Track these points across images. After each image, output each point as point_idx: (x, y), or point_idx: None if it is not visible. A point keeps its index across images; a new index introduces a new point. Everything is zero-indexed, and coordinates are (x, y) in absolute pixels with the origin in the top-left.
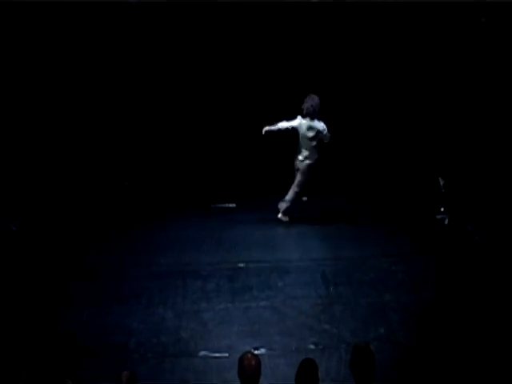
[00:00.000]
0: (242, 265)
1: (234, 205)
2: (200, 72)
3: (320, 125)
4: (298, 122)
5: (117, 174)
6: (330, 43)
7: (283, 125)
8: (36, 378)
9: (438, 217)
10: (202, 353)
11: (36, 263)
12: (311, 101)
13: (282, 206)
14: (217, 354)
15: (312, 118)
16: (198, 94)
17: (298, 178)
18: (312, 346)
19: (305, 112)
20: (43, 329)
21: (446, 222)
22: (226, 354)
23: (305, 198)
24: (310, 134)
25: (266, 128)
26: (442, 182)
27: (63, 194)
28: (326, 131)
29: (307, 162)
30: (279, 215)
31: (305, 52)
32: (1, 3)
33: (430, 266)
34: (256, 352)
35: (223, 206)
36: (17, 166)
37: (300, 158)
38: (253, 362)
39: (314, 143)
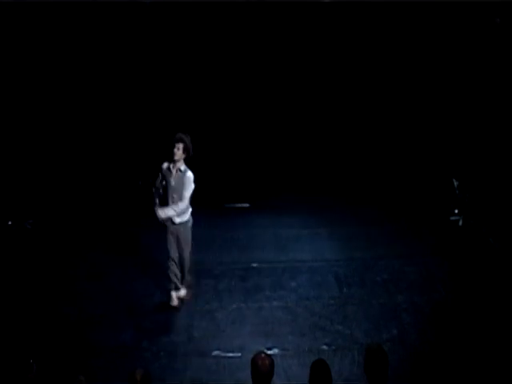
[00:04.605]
0: (254, 265)
1: (247, 204)
2: (213, 71)
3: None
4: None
5: (130, 173)
6: (337, 43)
7: None
8: (47, 374)
9: (452, 218)
10: (215, 352)
11: (50, 261)
12: None
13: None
14: (229, 354)
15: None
16: (210, 94)
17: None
18: (325, 347)
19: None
20: (55, 326)
21: (460, 223)
22: (239, 354)
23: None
24: None
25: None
26: (456, 184)
27: (77, 193)
28: None
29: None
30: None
31: (314, 51)
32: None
33: (443, 268)
34: (269, 352)
35: (237, 205)
36: (32, 165)
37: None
38: (267, 362)
39: None
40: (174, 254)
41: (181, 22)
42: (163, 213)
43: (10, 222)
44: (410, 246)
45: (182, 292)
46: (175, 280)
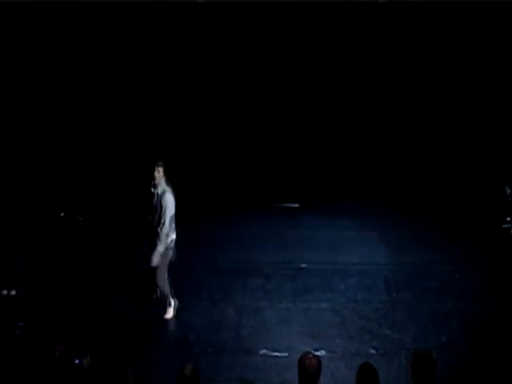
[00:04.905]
0: (303, 265)
1: (297, 205)
2: (264, 71)
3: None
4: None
5: (183, 170)
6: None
7: None
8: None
9: (504, 226)
10: (262, 351)
11: (100, 253)
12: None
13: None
14: (276, 353)
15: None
16: (262, 94)
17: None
18: (372, 351)
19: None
20: (103, 319)
21: None
22: (286, 354)
23: None
24: None
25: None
26: (508, 191)
27: (128, 188)
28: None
29: None
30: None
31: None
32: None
33: (494, 276)
34: (316, 353)
35: (286, 205)
36: (84, 159)
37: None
38: (314, 362)
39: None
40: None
41: (187, 22)
42: (156, 257)
43: (62, 214)
44: (461, 253)
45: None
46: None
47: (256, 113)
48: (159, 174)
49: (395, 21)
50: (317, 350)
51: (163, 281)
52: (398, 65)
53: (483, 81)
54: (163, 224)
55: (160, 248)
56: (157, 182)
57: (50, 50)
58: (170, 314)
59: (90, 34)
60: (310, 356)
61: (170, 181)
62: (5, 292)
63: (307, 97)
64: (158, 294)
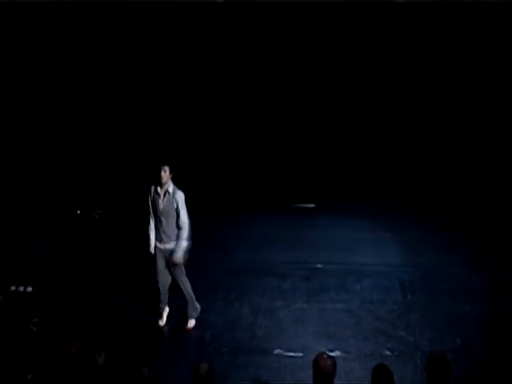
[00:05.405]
0: (319, 265)
1: (313, 205)
2: (282, 70)
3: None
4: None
5: (197, 169)
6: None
7: None
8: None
9: None
10: (276, 351)
11: (116, 251)
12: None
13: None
14: (291, 353)
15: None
16: (279, 93)
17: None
18: (387, 352)
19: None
20: (118, 317)
21: None
22: (301, 354)
23: None
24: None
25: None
26: None
27: (144, 187)
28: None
29: None
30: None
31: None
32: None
33: (508, 278)
34: (330, 354)
35: (302, 205)
36: (102, 157)
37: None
38: (329, 363)
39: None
40: (164, 280)
41: (205, 22)
42: (182, 255)
43: (78, 211)
44: (478, 255)
45: (190, 323)
46: (162, 306)
47: (272, 112)
48: (166, 173)
49: (414, 21)
50: (331, 350)
51: (187, 282)
52: (413, 65)
53: (494, 81)
54: (185, 223)
55: (185, 244)
56: (164, 181)
57: (69, 49)
58: (191, 324)
59: (105, 34)
60: (325, 356)
61: (178, 180)
62: (21, 288)
63: (326, 97)
64: (187, 298)
